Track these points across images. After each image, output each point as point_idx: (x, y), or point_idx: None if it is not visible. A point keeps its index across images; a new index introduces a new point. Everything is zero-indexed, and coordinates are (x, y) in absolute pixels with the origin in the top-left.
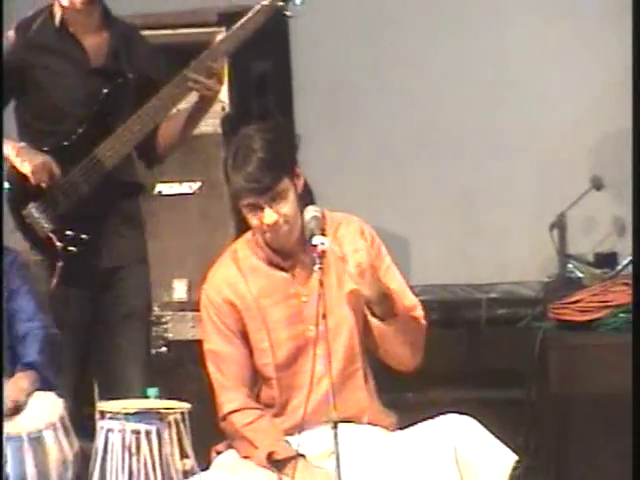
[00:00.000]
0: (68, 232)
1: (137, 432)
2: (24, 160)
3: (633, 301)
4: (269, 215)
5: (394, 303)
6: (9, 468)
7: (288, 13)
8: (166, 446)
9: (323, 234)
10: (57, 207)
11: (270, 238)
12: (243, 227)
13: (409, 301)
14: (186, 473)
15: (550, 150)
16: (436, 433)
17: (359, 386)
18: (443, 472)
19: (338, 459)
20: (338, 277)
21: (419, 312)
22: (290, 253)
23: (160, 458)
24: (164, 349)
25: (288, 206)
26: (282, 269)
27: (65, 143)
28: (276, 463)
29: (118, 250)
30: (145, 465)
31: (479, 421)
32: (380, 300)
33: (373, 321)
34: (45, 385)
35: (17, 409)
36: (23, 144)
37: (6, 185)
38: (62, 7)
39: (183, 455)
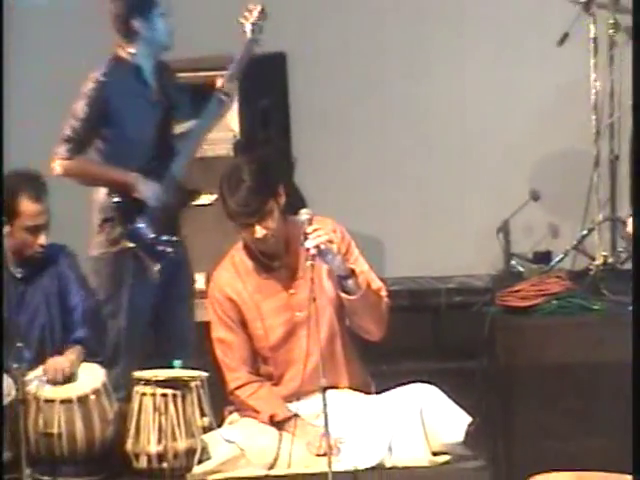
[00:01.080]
0: (164, 237)
1: (165, 395)
2: (141, 188)
3: (633, 300)
4: (259, 231)
5: (357, 279)
6: (62, 427)
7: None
8: (189, 407)
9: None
10: (153, 217)
11: (260, 247)
12: None
13: (375, 284)
14: (205, 429)
15: (496, 169)
16: (405, 398)
17: (341, 359)
18: (411, 430)
19: (327, 418)
20: (319, 274)
21: (383, 292)
22: (277, 256)
23: (184, 417)
24: None
25: (273, 221)
26: (271, 269)
27: (146, 163)
28: (277, 423)
29: (181, 248)
30: (172, 423)
31: (440, 388)
32: (347, 275)
33: (344, 297)
34: (90, 356)
35: (68, 378)
36: (136, 174)
37: (118, 199)
38: (132, 58)
39: (202, 414)
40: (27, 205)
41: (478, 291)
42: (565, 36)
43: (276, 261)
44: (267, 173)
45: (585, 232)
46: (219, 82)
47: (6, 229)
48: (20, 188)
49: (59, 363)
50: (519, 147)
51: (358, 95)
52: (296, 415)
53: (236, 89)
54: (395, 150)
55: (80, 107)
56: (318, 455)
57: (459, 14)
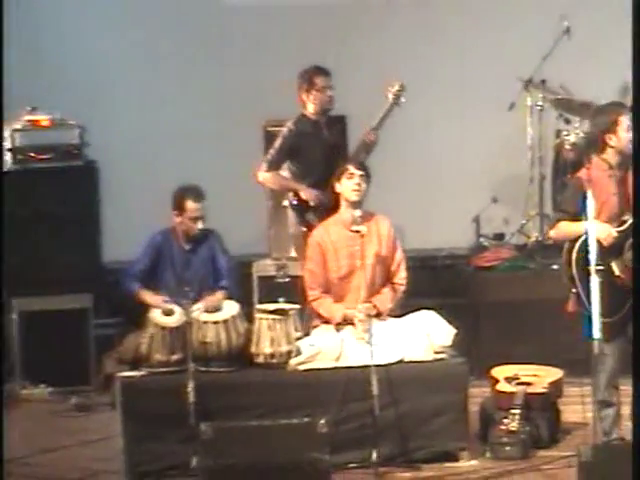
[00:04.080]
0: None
1: (274, 319)
2: (306, 193)
3: (633, 298)
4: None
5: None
6: (212, 338)
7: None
8: (288, 325)
9: (362, 220)
10: (320, 212)
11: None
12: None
13: (401, 275)
14: (297, 338)
15: (472, 184)
16: (416, 319)
17: (380, 296)
18: (420, 338)
19: (371, 324)
20: (371, 240)
21: (404, 281)
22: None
23: (285, 331)
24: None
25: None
26: (348, 229)
27: (316, 180)
28: (337, 325)
29: None
30: (278, 335)
31: (437, 314)
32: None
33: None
34: (230, 296)
35: (217, 309)
36: (304, 185)
37: (294, 201)
38: (311, 114)
39: (296, 330)
40: (190, 204)
41: (460, 257)
42: (512, 105)
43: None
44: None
45: (524, 222)
46: (370, 132)
47: (178, 219)
48: (186, 194)
49: (211, 300)
50: (486, 171)
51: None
52: (348, 317)
53: (378, 136)
54: (392, 161)
55: (278, 142)
56: (362, 337)
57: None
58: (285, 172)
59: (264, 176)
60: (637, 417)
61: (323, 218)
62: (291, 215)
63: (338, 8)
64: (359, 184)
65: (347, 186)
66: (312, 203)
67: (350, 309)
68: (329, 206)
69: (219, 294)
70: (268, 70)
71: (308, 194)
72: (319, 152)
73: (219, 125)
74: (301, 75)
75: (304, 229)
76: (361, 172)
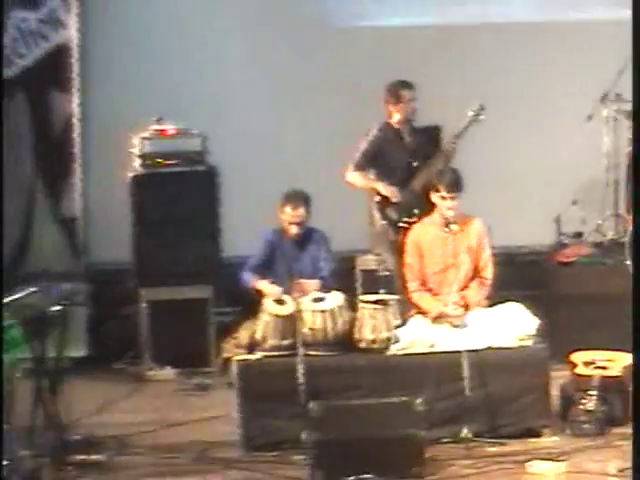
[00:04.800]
0: (404, 218)
1: (376, 309)
2: (387, 190)
3: (633, 298)
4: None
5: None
6: (319, 325)
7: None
8: (388, 314)
9: (455, 223)
10: (399, 208)
11: (446, 216)
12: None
13: (488, 271)
14: (397, 327)
15: (556, 188)
16: (504, 310)
17: (464, 290)
18: (507, 327)
19: (461, 321)
20: (462, 240)
21: (490, 276)
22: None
23: (385, 319)
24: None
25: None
26: (445, 231)
27: (397, 179)
28: (434, 318)
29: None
30: (378, 323)
31: (522, 305)
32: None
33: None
34: (329, 287)
35: (321, 299)
36: (385, 184)
37: (377, 199)
38: (395, 123)
39: (395, 318)
40: (288, 210)
41: (543, 253)
42: (590, 116)
43: (448, 227)
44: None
45: (600, 221)
46: (449, 140)
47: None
48: (287, 201)
49: (306, 286)
50: (567, 176)
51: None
52: (443, 314)
53: (456, 145)
54: (497, 164)
55: (363, 146)
56: (455, 326)
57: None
58: (371, 173)
59: (351, 175)
60: (637, 417)
61: (402, 214)
62: (375, 211)
63: (429, 30)
64: (452, 204)
65: (441, 204)
66: (392, 200)
67: (445, 305)
68: (408, 203)
69: (316, 284)
70: (368, 83)
71: (388, 191)
72: (400, 157)
73: (326, 133)
74: (388, 88)
75: (384, 223)
76: (453, 194)
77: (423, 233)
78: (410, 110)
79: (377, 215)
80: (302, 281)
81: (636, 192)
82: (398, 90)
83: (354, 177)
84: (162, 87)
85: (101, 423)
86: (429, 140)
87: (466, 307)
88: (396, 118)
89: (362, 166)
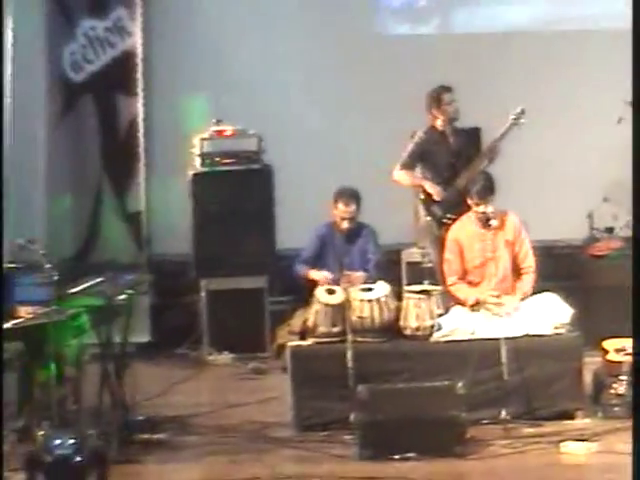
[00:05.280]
0: (447, 215)
1: (420, 298)
2: (431, 188)
3: (633, 298)
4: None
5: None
6: (367, 314)
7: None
8: (431, 303)
9: (494, 219)
10: (443, 206)
11: (481, 217)
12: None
13: (528, 261)
14: (439, 315)
15: (590, 187)
16: (540, 300)
17: (509, 279)
18: (543, 316)
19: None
20: (500, 235)
21: (532, 266)
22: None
23: (429, 308)
24: None
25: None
26: (482, 228)
27: (442, 179)
28: (471, 307)
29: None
30: (422, 311)
31: (556, 295)
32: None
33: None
34: (372, 279)
35: (370, 289)
36: (430, 182)
37: (422, 196)
38: (439, 125)
39: (438, 307)
40: (340, 207)
41: (576, 247)
42: (620, 119)
43: (487, 224)
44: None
45: (630, 218)
46: (492, 142)
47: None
48: (339, 197)
49: (353, 278)
50: (599, 175)
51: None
52: (480, 301)
53: (498, 146)
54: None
55: (409, 147)
56: (495, 314)
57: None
58: (417, 173)
59: (397, 174)
60: (637, 417)
61: (446, 210)
62: (420, 207)
63: (470, 37)
64: (484, 208)
65: (475, 208)
66: (436, 197)
67: (482, 294)
68: (452, 201)
69: (360, 275)
70: (414, 88)
71: (433, 189)
72: (444, 157)
73: (373, 134)
74: (430, 94)
75: (429, 219)
76: (483, 201)
77: (462, 230)
78: (452, 111)
79: (422, 211)
80: (350, 273)
81: (636, 191)
82: (439, 95)
83: (400, 176)
84: (220, 90)
85: (163, 404)
86: (470, 141)
87: (517, 296)
88: (439, 121)
89: (408, 166)
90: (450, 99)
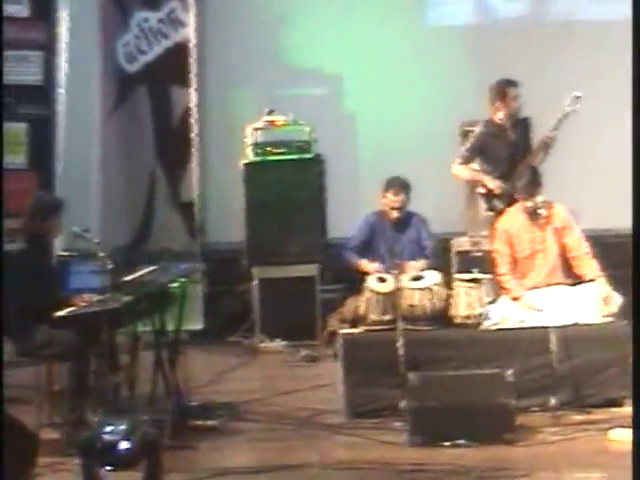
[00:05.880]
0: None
1: (469, 287)
2: (491, 183)
3: (633, 298)
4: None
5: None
6: (417, 302)
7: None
8: (481, 292)
9: (542, 208)
10: (503, 199)
11: (530, 209)
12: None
13: (582, 244)
14: (489, 304)
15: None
16: (589, 287)
17: (558, 270)
18: (592, 305)
19: (548, 298)
20: (548, 225)
21: (588, 252)
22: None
23: (478, 297)
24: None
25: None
26: (530, 220)
27: (501, 172)
28: (516, 299)
29: None
30: (472, 300)
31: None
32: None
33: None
34: (430, 267)
35: (420, 277)
36: (490, 177)
37: (482, 190)
38: (499, 119)
39: (487, 296)
40: (390, 196)
41: (626, 236)
42: None
43: (535, 215)
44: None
45: None
46: (548, 131)
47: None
48: (389, 187)
49: (414, 267)
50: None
51: None
52: (526, 295)
53: (555, 136)
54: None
55: (469, 141)
56: (538, 310)
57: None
58: (476, 166)
59: (457, 169)
60: (637, 416)
61: (507, 204)
62: (481, 202)
63: (521, 27)
64: (531, 202)
65: (521, 202)
66: (496, 192)
67: (531, 285)
68: (512, 194)
69: (421, 263)
70: (464, 79)
71: (493, 184)
72: (504, 151)
73: (424, 125)
74: (494, 86)
75: (491, 213)
76: (529, 195)
77: (511, 221)
78: (515, 106)
79: (484, 206)
80: (403, 262)
81: (636, 189)
82: (504, 88)
83: (460, 170)
84: (273, 80)
85: (216, 391)
86: (525, 132)
87: (590, 280)
88: (501, 115)
89: (467, 160)
90: (515, 94)
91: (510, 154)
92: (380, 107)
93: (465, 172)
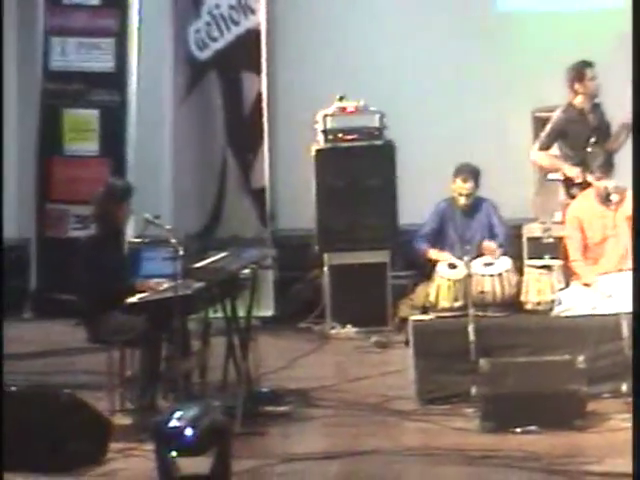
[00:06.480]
0: None
1: (540, 273)
2: (570, 171)
3: (633, 298)
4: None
5: None
6: (488, 288)
7: None
8: (552, 279)
9: (614, 194)
10: (584, 186)
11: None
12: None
13: None
14: (560, 290)
15: None
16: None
17: (625, 256)
18: None
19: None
20: (620, 211)
21: None
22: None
23: (550, 283)
24: None
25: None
26: (601, 205)
27: (580, 159)
28: (586, 285)
29: None
30: (543, 286)
31: None
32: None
33: None
34: (504, 254)
35: (492, 264)
36: (561, 163)
37: (562, 178)
38: (579, 103)
39: (559, 282)
40: (458, 183)
41: None
42: None
43: (607, 200)
44: None
45: None
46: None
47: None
48: (458, 174)
49: (489, 251)
50: None
51: None
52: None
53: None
54: None
55: (548, 127)
56: (609, 296)
57: None
58: (556, 151)
59: (536, 155)
60: (637, 416)
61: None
62: (560, 188)
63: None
64: (605, 183)
65: (595, 184)
66: (576, 180)
67: (602, 271)
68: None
69: (496, 250)
70: (534, 65)
71: (572, 172)
72: (585, 135)
73: (495, 111)
74: (572, 69)
75: (570, 201)
76: (604, 175)
77: (582, 207)
78: (594, 88)
79: (563, 192)
80: (485, 244)
81: (636, 190)
82: (582, 69)
83: (538, 157)
84: (343, 67)
85: (287, 377)
86: (602, 115)
87: None
88: (580, 98)
89: (546, 146)
90: (592, 74)
91: (590, 138)
92: (451, 93)
93: (545, 159)
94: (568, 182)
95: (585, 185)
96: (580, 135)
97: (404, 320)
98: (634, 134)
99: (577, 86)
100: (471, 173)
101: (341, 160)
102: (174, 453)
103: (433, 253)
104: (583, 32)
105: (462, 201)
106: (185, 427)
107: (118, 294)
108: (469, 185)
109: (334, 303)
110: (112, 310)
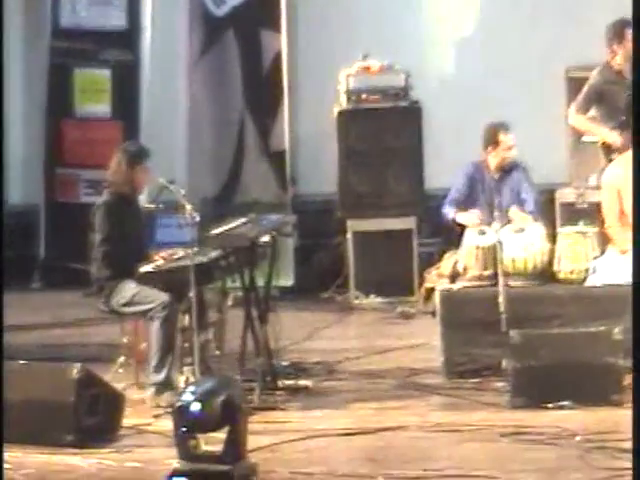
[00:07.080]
0: None
1: (574, 241)
2: (609, 137)
3: (633, 298)
4: None
5: None
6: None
7: None
8: (587, 246)
9: None
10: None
11: None
12: None
13: None
14: (595, 258)
15: None
16: None
17: None
18: None
19: None
20: None
21: None
22: None
23: (584, 251)
24: None
25: None
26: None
27: (617, 123)
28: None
29: None
30: (578, 254)
31: None
32: None
33: None
34: (535, 220)
35: (522, 230)
36: (606, 128)
37: (601, 143)
38: (617, 64)
39: (594, 250)
40: (503, 137)
41: None
42: None
43: None
44: None
45: None
46: None
47: (492, 152)
48: (499, 128)
49: (519, 218)
50: None
51: None
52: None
53: None
54: None
55: (585, 89)
56: None
57: None
58: (594, 113)
59: (574, 118)
60: (637, 417)
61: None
62: (595, 150)
63: None
64: None
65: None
66: (615, 145)
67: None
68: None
69: (526, 216)
70: (569, 24)
71: (610, 137)
72: (623, 97)
73: (526, 70)
74: (612, 27)
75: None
76: None
77: (618, 172)
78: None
79: (603, 158)
80: (514, 211)
81: (636, 190)
82: (622, 29)
83: (577, 121)
84: (367, 25)
85: (309, 349)
86: None
87: None
88: (619, 58)
89: (583, 109)
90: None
91: (628, 100)
92: (481, 53)
93: (583, 123)
94: (607, 146)
95: (624, 149)
96: (618, 98)
97: (431, 290)
98: (634, 134)
99: (616, 46)
100: (509, 127)
101: (364, 122)
102: (183, 429)
103: (461, 217)
104: None
105: (511, 154)
106: (190, 402)
107: (132, 262)
108: (513, 136)
109: (357, 272)
110: (126, 278)
